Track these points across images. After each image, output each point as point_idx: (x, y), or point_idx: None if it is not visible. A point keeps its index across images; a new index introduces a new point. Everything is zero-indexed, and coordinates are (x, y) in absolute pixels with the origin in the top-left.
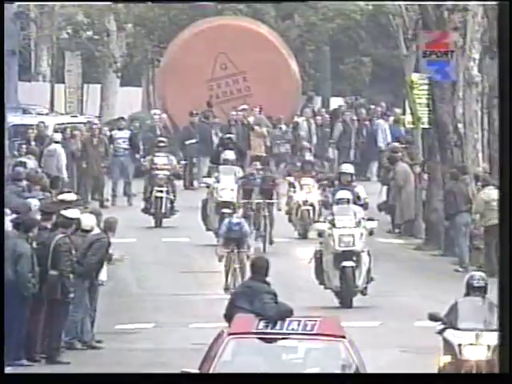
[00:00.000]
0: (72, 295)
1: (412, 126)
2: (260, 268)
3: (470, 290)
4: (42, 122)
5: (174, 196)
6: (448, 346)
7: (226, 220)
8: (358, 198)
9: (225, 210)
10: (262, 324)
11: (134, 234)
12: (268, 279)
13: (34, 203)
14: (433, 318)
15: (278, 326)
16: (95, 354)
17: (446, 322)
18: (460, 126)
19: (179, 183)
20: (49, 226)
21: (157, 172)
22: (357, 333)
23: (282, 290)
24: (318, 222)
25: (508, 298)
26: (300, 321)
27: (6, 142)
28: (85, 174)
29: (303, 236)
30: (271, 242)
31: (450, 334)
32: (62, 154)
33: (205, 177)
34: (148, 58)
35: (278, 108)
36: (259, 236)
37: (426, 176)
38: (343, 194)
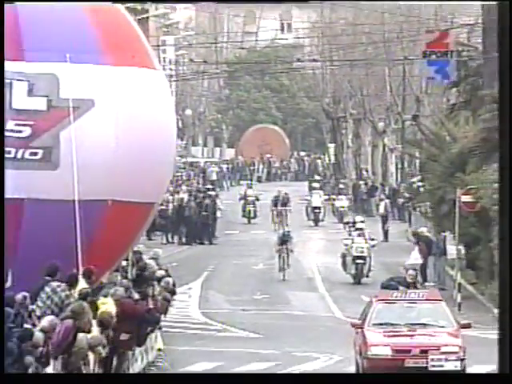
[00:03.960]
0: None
1: (328, 162)
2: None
3: None
4: (198, 162)
5: (256, 208)
6: None
7: (281, 230)
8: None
9: (316, 212)
10: (395, 294)
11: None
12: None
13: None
14: None
15: (404, 295)
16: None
17: None
18: (345, 162)
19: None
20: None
21: (248, 198)
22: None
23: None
24: (346, 238)
25: (508, 297)
26: (416, 292)
27: (191, 173)
28: (220, 180)
29: (340, 222)
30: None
31: None
32: (214, 171)
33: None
34: (236, 141)
35: (282, 156)
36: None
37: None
38: (359, 225)
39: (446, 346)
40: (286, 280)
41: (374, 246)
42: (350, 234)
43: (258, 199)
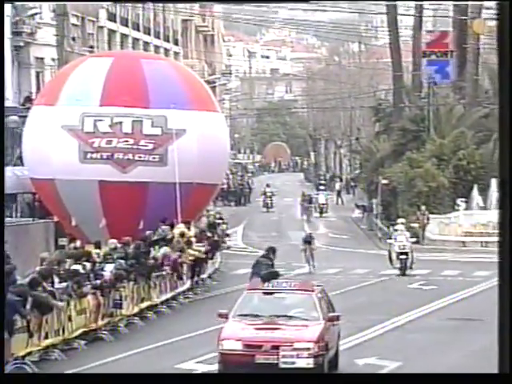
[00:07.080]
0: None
1: (310, 162)
2: (267, 251)
3: None
4: (240, 162)
5: (272, 201)
6: None
7: (304, 232)
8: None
9: (322, 206)
10: (265, 284)
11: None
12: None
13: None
14: None
15: (275, 285)
16: (253, 204)
17: None
18: (320, 163)
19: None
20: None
21: (267, 194)
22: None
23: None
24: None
25: (508, 297)
26: (288, 281)
27: (238, 168)
28: (254, 171)
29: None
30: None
31: None
32: (252, 167)
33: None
34: (262, 151)
35: (286, 159)
36: (310, 214)
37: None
38: (399, 227)
39: (299, 342)
40: (290, 228)
41: (413, 242)
42: (392, 234)
43: (274, 194)
